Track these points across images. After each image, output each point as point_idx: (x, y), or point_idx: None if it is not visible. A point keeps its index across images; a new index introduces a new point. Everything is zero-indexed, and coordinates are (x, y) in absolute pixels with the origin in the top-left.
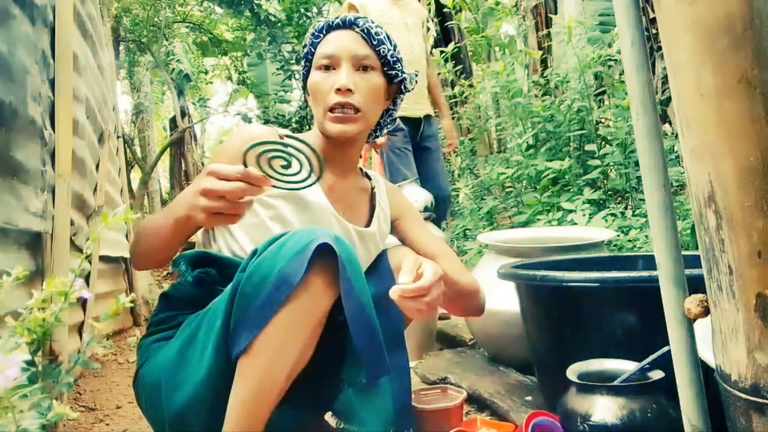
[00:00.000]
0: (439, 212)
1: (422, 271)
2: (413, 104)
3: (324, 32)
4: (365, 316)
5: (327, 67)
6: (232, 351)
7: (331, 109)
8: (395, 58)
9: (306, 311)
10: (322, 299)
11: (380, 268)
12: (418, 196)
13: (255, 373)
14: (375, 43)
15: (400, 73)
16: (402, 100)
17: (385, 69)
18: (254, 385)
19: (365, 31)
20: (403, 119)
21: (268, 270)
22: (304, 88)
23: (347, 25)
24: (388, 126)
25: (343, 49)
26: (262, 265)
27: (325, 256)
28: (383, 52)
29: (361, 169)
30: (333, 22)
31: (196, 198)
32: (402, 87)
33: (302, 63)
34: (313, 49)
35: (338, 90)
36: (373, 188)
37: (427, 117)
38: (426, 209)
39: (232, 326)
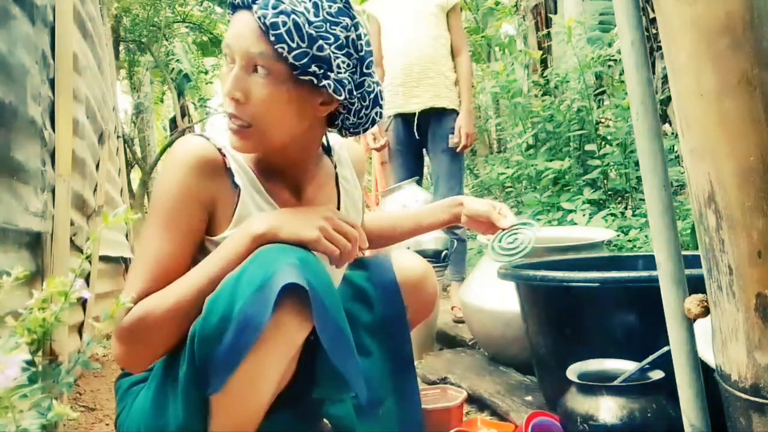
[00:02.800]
0: None
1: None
2: (406, 99)
3: (231, 12)
4: (344, 341)
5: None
6: (204, 391)
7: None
8: (311, 57)
9: (279, 349)
10: (295, 335)
11: (387, 285)
12: (417, 197)
13: (230, 410)
14: (272, 39)
15: (320, 79)
16: (360, 105)
17: (296, 72)
18: (231, 420)
19: (261, 18)
20: (395, 116)
21: (226, 309)
22: None
23: (245, 5)
24: (353, 128)
25: (236, 40)
26: (218, 304)
27: (292, 286)
28: (282, 50)
29: (323, 147)
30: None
31: (312, 222)
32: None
33: None
34: None
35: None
36: (335, 166)
37: (435, 111)
38: None
39: (199, 368)
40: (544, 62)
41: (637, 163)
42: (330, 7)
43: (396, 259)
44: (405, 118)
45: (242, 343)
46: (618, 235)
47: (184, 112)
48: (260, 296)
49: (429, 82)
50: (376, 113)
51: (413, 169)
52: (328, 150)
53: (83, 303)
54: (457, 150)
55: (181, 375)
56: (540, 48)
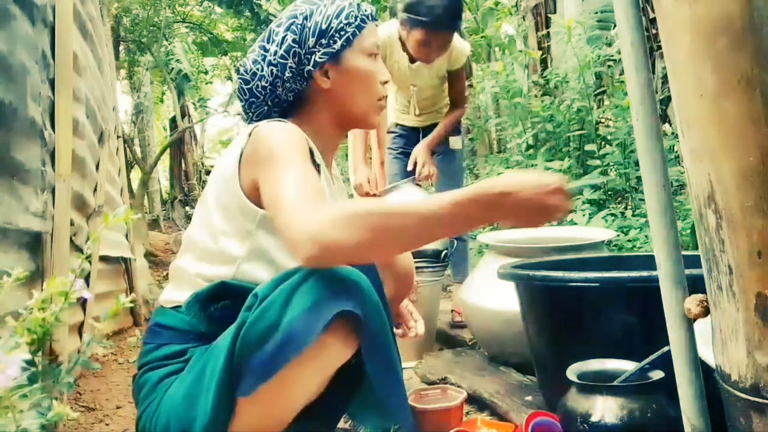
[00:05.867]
0: None
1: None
2: (410, 118)
3: (370, 20)
4: (392, 372)
5: (373, 57)
6: (235, 391)
7: (379, 100)
8: None
9: (317, 368)
10: (336, 358)
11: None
12: (415, 197)
13: (254, 416)
14: None
15: None
16: None
17: None
18: (252, 425)
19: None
20: (400, 125)
21: (276, 319)
22: (309, 65)
23: (375, 18)
24: None
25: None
26: (268, 313)
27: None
28: None
29: None
30: (373, 13)
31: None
32: None
33: (332, 40)
34: (358, 32)
35: (385, 82)
36: None
37: (435, 124)
38: None
39: (236, 368)
40: (543, 62)
41: (637, 163)
42: None
43: None
44: (406, 129)
45: (282, 355)
46: (618, 235)
47: (184, 112)
48: (311, 315)
49: (434, 109)
50: None
51: (410, 173)
52: None
53: (83, 303)
54: (416, 179)
55: (217, 370)
56: (540, 48)
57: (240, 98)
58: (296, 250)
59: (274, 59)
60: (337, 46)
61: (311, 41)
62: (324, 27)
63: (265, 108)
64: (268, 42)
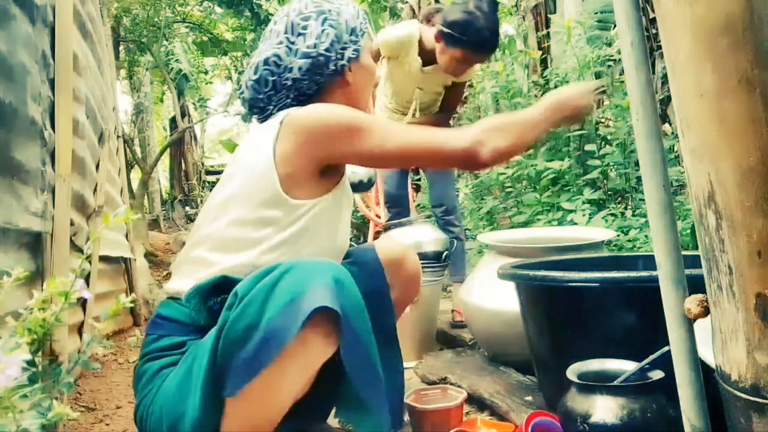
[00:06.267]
0: (447, 221)
1: None
2: (402, 117)
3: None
4: (371, 369)
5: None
6: (221, 391)
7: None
8: None
9: (300, 366)
10: (318, 355)
11: (370, 265)
12: (429, 236)
13: (242, 415)
14: None
15: None
16: None
17: None
18: (242, 425)
19: None
20: None
21: (256, 317)
22: (343, 59)
23: None
24: None
25: None
26: (248, 311)
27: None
28: None
29: None
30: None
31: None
32: None
33: (353, 37)
34: (364, 31)
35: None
36: None
37: None
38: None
39: (219, 368)
40: (543, 62)
41: (637, 163)
42: None
43: (377, 243)
44: None
45: (264, 353)
46: (618, 235)
47: (183, 112)
48: (290, 312)
49: (428, 112)
50: None
51: (403, 173)
52: None
53: (83, 303)
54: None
55: (202, 369)
56: (540, 48)
57: (257, 90)
58: (469, 159)
59: (314, 52)
60: (362, 43)
61: (345, 37)
62: (353, 25)
63: (288, 101)
64: (292, 34)
